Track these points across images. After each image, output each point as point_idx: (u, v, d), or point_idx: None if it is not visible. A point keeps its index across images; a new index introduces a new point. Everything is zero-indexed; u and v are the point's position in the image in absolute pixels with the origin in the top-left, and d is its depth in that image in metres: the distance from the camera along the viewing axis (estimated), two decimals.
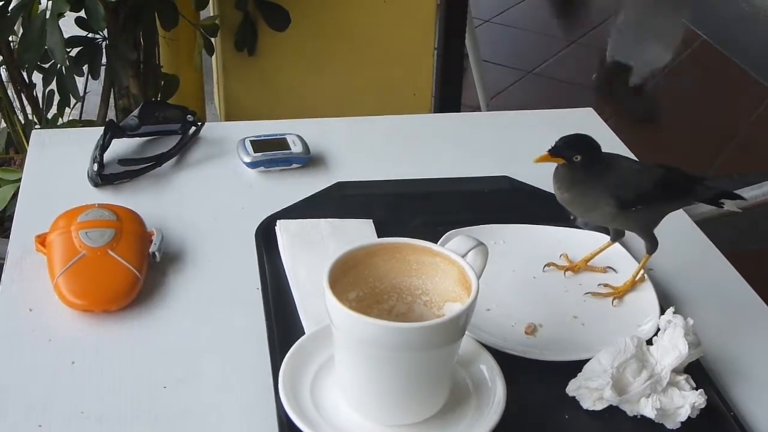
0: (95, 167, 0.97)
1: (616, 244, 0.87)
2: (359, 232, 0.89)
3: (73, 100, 1.77)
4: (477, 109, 2.50)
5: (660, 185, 0.81)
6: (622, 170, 0.82)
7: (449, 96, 2.15)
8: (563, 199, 0.81)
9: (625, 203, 0.80)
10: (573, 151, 0.78)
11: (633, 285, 0.83)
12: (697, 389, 0.70)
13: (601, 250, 0.87)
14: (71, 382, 0.72)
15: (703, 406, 0.69)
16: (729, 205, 0.84)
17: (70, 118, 1.87)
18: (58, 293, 0.80)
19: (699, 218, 1.01)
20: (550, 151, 0.79)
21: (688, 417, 0.69)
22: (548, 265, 0.87)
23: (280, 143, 1.03)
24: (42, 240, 0.84)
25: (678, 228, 0.95)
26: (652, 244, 0.83)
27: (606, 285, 0.84)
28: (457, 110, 2.18)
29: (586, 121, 1.17)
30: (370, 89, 2.15)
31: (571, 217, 0.93)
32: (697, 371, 0.73)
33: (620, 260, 0.87)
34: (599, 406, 0.70)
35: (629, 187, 0.80)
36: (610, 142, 1.12)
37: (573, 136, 0.80)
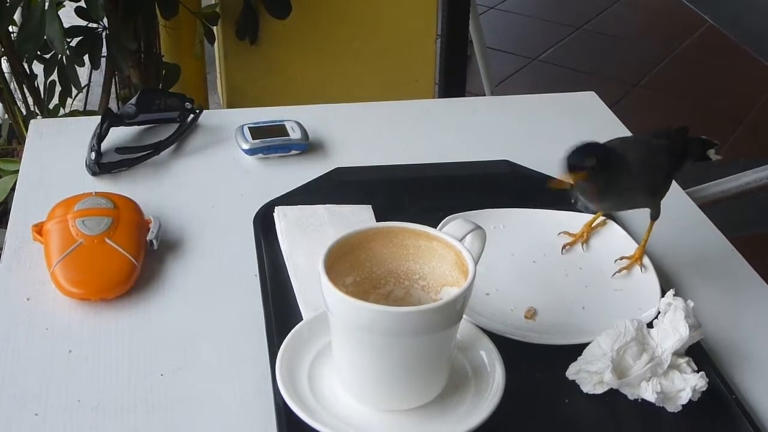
0: (93, 156, 0.96)
1: (610, 222, 0.88)
2: (358, 218, 0.88)
3: (74, 91, 1.76)
4: (481, 96, 2.49)
5: (672, 158, 0.82)
6: (640, 157, 0.80)
7: (453, 83, 2.14)
8: (602, 207, 0.82)
9: (656, 190, 0.80)
10: (586, 160, 0.75)
11: (644, 250, 0.84)
12: (698, 372, 0.70)
13: (598, 216, 0.87)
14: (68, 371, 0.72)
15: (704, 389, 0.69)
16: (712, 155, 0.85)
17: (73, 108, 1.87)
18: (55, 282, 0.79)
19: (701, 201, 1.01)
20: (568, 169, 0.75)
21: (689, 400, 0.68)
22: (562, 233, 0.87)
23: (278, 130, 1.02)
24: (39, 229, 0.84)
25: (679, 210, 0.95)
26: (658, 211, 0.83)
27: (622, 258, 0.84)
28: (462, 97, 2.17)
29: (588, 106, 1.16)
30: (373, 76, 2.14)
31: (572, 201, 0.93)
32: (698, 354, 0.72)
33: (619, 239, 0.86)
34: (599, 390, 0.70)
35: (655, 173, 0.80)
36: (613, 127, 1.11)
37: (578, 147, 0.76)
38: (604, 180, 0.77)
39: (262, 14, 1.98)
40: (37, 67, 1.78)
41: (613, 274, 0.83)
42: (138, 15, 1.76)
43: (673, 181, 0.98)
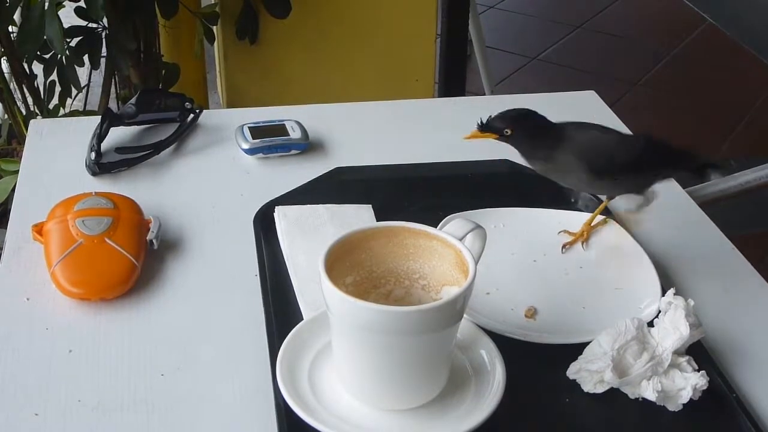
0: (93, 156, 0.96)
1: (611, 221, 0.88)
2: (358, 217, 0.88)
3: (74, 91, 1.76)
4: (481, 95, 2.49)
5: (642, 155, 0.81)
6: (596, 138, 0.81)
7: (453, 83, 2.14)
8: (540, 170, 0.82)
9: (597, 169, 0.79)
10: (504, 124, 0.78)
11: (590, 227, 0.85)
12: (698, 371, 0.69)
13: (599, 211, 0.87)
14: (68, 371, 0.72)
15: (704, 387, 0.68)
16: (715, 175, 0.84)
17: (73, 108, 1.87)
18: (55, 282, 0.79)
19: (702, 200, 1.01)
20: (479, 127, 0.79)
21: (690, 399, 0.68)
22: (562, 231, 0.87)
23: (278, 129, 1.02)
24: (39, 229, 0.84)
25: (680, 209, 0.95)
26: (649, 199, 0.83)
27: (565, 231, 0.86)
28: (461, 96, 2.17)
29: (588, 105, 1.16)
30: (373, 76, 2.14)
31: (572, 200, 0.93)
32: (699, 353, 0.72)
33: (620, 238, 0.86)
34: (600, 389, 0.70)
35: (601, 154, 0.80)
36: (614, 126, 1.10)
37: (505, 111, 0.79)
38: (525, 146, 0.79)
39: (262, 14, 1.98)
40: (37, 67, 1.78)
41: (563, 249, 0.84)
42: (138, 15, 1.76)
43: (674, 181, 0.99)
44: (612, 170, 0.80)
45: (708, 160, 0.84)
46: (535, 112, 0.80)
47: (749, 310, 0.81)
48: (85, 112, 1.87)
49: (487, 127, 0.79)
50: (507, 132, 0.79)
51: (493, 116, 0.79)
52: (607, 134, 0.83)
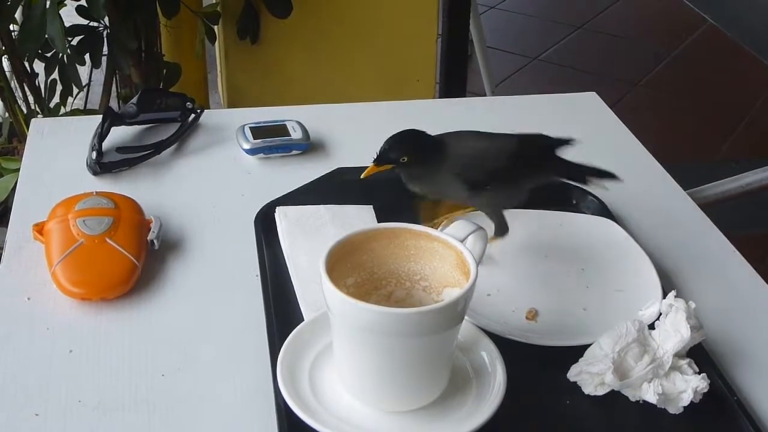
0: (94, 155, 0.96)
1: (609, 221, 0.87)
2: (359, 218, 0.88)
3: (75, 90, 1.76)
4: (482, 95, 2.49)
5: (512, 160, 0.79)
6: (467, 149, 0.79)
7: (454, 83, 2.14)
8: (420, 196, 0.79)
9: (474, 183, 0.77)
10: (399, 153, 0.76)
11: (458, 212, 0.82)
12: (699, 373, 0.69)
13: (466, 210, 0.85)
14: (69, 371, 0.72)
15: (705, 390, 0.68)
16: (596, 183, 0.82)
17: (74, 107, 1.87)
18: (56, 282, 0.79)
19: (702, 201, 1.01)
20: (375, 161, 0.77)
21: (691, 402, 0.68)
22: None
23: (279, 130, 1.02)
24: (40, 228, 0.84)
25: (680, 211, 0.95)
26: (501, 228, 0.81)
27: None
28: (462, 97, 2.17)
29: (589, 106, 1.16)
30: (374, 76, 2.14)
31: (573, 201, 0.92)
32: (700, 355, 0.72)
33: (620, 240, 0.86)
34: (601, 392, 0.70)
35: (476, 164, 0.78)
36: (614, 127, 1.11)
37: (395, 137, 0.77)
38: (417, 170, 0.77)
39: (263, 14, 1.98)
40: (38, 66, 1.78)
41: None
42: (139, 14, 1.76)
43: (674, 182, 0.99)
44: (485, 180, 0.78)
45: (593, 169, 0.82)
46: (419, 132, 0.78)
47: (750, 313, 0.81)
48: (86, 111, 1.87)
49: (382, 160, 0.77)
50: (404, 159, 0.76)
51: (385, 147, 0.77)
52: (480, 142, 0.81)
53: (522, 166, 0.80)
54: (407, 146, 0.77)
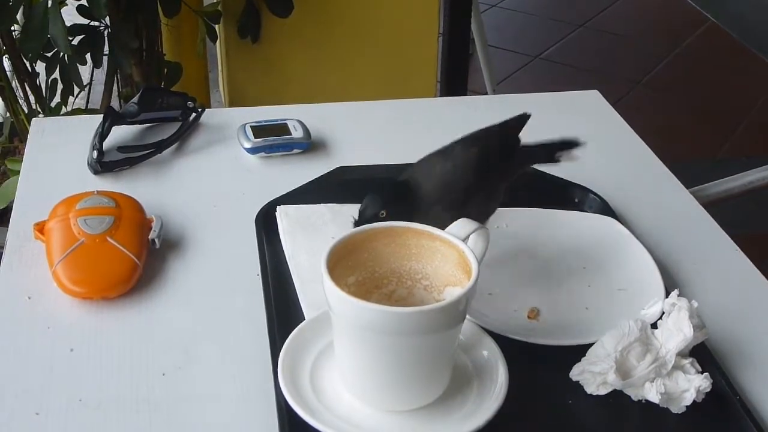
0: (95, 154, 0.96)
1: (611, 220, 0.87)
2: None
3: (76, 89, 1.76)
4: (483, 94, 2.49)
5: (481, 168, 0.78)
6: (435, 177, 0.78)
7: (455, 81, 2.14)
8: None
9: (453, 204, 0.76)
10: (375, 209, 0.74)
11: None
12: (702, 373, 0.69)
13: None
14: (70, 370, 0.72)
15: (708, 389, 0.68)
16: (566, 157, 0.82)
17: (75, 107, 1.86)
18: (57, 281, 0.79)
19: (705, 200, 1.00)
20: (354, 224, 0.74)
21: (693, 401, 0.68)
22: None
23: (280, 128, 1.02)
24: (41, 227, 0.84)
25: (683, 210, 0.95)
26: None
27: None
28: (463, 95, 2.17)
29: (591, 104, 1.16)
30: (375, 75, 2.14)
31: (576, 200, 0.92)
32: (703, 354, 0.72)
33: (622, 239, 0.86)
34: (603, 391, 0.70)
35: (449, 188, 0.77)
36: (617, 126, 1.11)
37: (369, 196, 0.75)
38: (400, 212, 0.74)
39: (264, 13, 1.98)
40: (39, 65, 1.78)
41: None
42: (140, 13, 1.76)
43: (676, 180, 0.99)
44: (464, 198, 0.77)
45: (556, 143, 0.82)
46: (391, 183, 0.77)
47: (753, 312, 0.81)
48: (87, 111, 1.86)
49: (363, 219, 0.74)
50: (382, 214, 0.74)
51: (362, 207, 0.75)
52: (446, 163, 0.79)
53: (493, 170, 0.80)
54: (381, 202, 0.75)
